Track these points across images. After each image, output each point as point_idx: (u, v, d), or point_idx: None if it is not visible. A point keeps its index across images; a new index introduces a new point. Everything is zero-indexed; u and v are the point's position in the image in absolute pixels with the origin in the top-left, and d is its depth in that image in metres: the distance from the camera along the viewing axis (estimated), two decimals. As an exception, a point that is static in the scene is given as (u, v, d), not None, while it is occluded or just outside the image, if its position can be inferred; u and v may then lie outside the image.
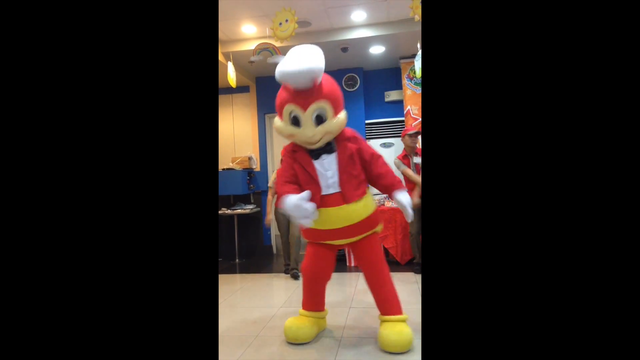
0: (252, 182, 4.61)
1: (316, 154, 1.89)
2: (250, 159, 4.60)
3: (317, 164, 1.89)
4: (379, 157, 1.97)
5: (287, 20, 2.86)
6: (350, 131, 1.97)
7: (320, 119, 1.81)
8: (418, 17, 2.62)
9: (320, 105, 1.81)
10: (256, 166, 4.74)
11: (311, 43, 3.44)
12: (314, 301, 2.11)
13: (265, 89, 4.69)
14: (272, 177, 3.64)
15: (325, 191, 1.87)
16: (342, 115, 1.89)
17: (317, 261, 2.05)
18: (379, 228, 2.05)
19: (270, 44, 3.19)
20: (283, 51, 3.27)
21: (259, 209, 4.71)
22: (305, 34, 3.59)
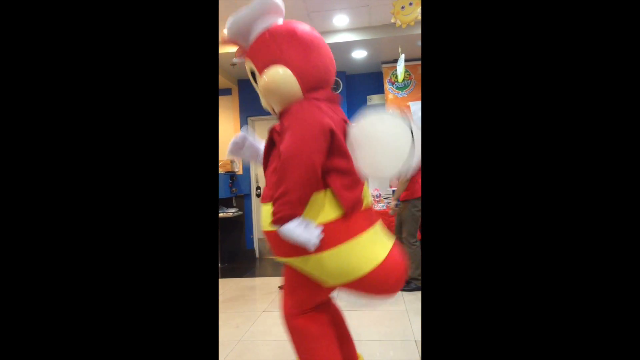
0: (235, 185, 4.58)
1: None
2: (232, 162, 4.57)
3: None
4: (283, 155, 1.10)
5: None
6: (297, 104, 1.19)
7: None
8: (399, 22, 2.66)
9: (249, 66, 1.30)
10: (238, 169, 4.71)
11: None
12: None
13: (247, 92, 4.66)
14: None
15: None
16: (265, 73, 1.21)
17: None
18: (297, 261, 1.21)
19: (252, 46, 3.17)
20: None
21: (241, 212, 4.67)
22: (288, 37, 3.60)
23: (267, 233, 1.25)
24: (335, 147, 1.17)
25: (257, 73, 1.26)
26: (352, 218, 1.19)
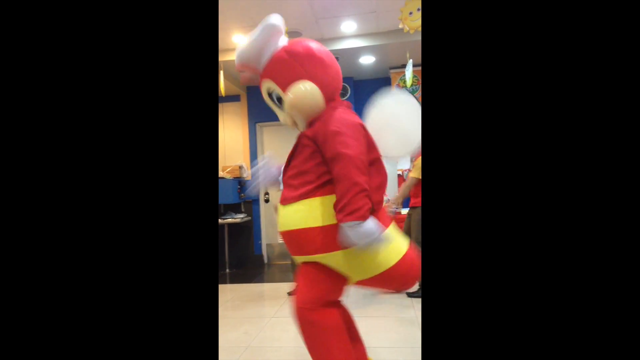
0: (243, 191, 4.60)
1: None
2: (241, 168, 4.59)
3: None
4: (343, 156, 1.17)
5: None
6: (328, 111, 1.30)
7: (281, 101, 1.38)
8: (407, 28, 2.67)
9: (267, 86, 1.40)
10: (247, 175, 4.73)
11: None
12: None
13: (256, 98, 4.70)
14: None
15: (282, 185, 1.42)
16: (291, 89, 1.30)
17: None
18: (325, 258, 1.26)
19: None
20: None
21: (249, 218, 4.68)
22: (296, 44, 3.62)
23: (290, 232, 1.30)
24: (367, 144, 1.28)
25: (279, 91, 1.35)
26: (377, 214, 1.24)
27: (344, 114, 1.28)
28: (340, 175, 1.17)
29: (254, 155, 4.78)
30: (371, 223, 1.13)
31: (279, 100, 1.37)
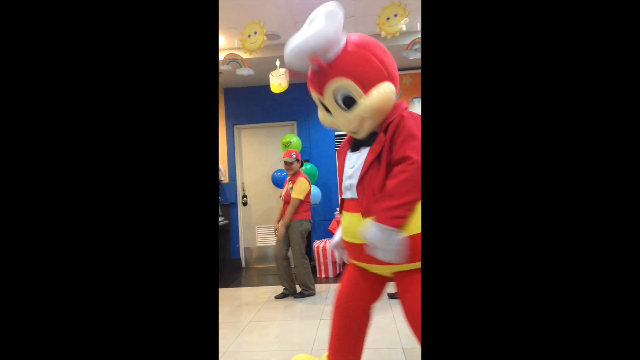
0: (220, 194, 4.54)
1: (356, 145, 1.33)
2: (218, 170, 4.54)
3: (349, 157, 1.35)
4: (413, 161, 1.12)
5: (255, 33, 2.87)
6: (402, 114, 1.22)
7: (351, 101, 1.24)
8: (384, 33, 2.70)
9: (339, 85, 1.23)
10: (224, 178, 4.68)
11: (280, 56, 3.43)
12: (338, 348, 1.43)
13: (234, 100, 4.65)
14: None
15: (344, 194, 1.34)
16: (378, 90, 1.21)
17: (346, 286, 1.43)
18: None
19: (238, 55, 3.19)
20: (251, 63, 3.28)
21: (227, 221, 4.62)
22: (275, 46, 3.61)
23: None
24: None
25: (358, 92, 1.22)
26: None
27: (415, 118, 1.22)
28: (405, 177, 1.11)
29: (231, 158, 4.73)
30: (401, 237, 1.12)
31: (347, 100, 1.23)
